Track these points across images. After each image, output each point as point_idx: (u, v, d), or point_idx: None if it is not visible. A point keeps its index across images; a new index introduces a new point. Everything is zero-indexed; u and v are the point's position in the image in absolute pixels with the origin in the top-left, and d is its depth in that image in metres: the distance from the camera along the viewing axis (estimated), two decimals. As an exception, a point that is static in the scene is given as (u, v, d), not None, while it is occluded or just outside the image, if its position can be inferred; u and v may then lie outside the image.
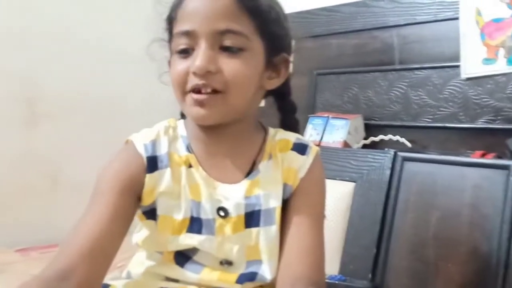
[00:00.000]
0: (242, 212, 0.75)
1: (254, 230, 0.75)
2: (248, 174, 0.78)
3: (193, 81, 0.70)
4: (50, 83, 1.89)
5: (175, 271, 0.76)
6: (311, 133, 1.63)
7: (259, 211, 0.75)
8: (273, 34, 0.77)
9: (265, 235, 0.75)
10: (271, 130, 0.84)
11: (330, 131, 1.59)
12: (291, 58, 0.82)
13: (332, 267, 1.32)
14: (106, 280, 0.72)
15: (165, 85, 0.82)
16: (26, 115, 1.84)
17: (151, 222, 0.77)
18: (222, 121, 0.74)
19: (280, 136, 0.82)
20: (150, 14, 0.80)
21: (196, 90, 0.71)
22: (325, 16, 1.81)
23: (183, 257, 0.76)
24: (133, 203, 0.74)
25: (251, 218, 0.75)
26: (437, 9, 1.50)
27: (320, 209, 0.81)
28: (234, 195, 0.75)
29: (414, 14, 1.56)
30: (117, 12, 2.03)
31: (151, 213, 0.76)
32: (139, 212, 0.78)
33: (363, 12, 1.70)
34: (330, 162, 1.45)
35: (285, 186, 0.78)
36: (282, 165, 0.79)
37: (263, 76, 0.77)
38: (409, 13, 1.57)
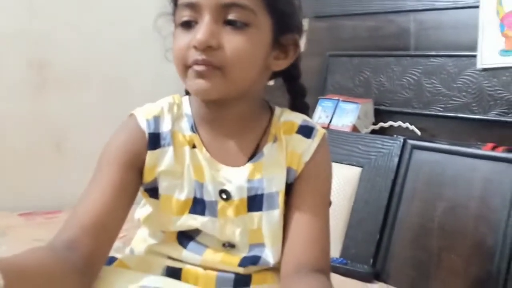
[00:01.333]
0: (245, 195, 0.73)
1: (256, 214, 0.74)
2: (252, 156, 0.76)
3: (194, 56, 0.68)
4: (63, 50, 1.88)
5: (178, 251, 0.75)
6: (320, 115, 1.61)
7: (261, 195, 0.74)
8: (282, 11, 0.73)
9: (267, 220, 0.74)
10: (277, 110, 0.81)
11: (340, 114, 1.57)
12: (301, 40, 0.79)
13: (334, 250, 1.32)
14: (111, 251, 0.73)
15: (167, 63, 0.79)
16: (36, 79, 1.83)
17: (154, 200, 0.76)
18: (223, 96, 0.71)
19: (286, 118, 0.79)
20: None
21: (197, 64, 0.68)
22: (341, -4, 1.78)
23: (185, 237, 0.75)
24: (136, 177, 0.73)
25: (254, 202, 0.74)
26: (458, -5, 1.47)
27: (325, 194, 0.79)
28: (236, 178, 0.74)
29: (433, 0, 1.52)
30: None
31: (153, 192, 0.75)
32: (141, 189, 0.76)
33: (380, -6, 1.66)
34: (338, 146, 1.44)
35: (289, 170, 0.76)
36: (286, 148, 0.76)
37: (270, 55, 0.74)
38: (428, -1, 1.54)
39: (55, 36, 1.85)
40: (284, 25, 0.74)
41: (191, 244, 0.75)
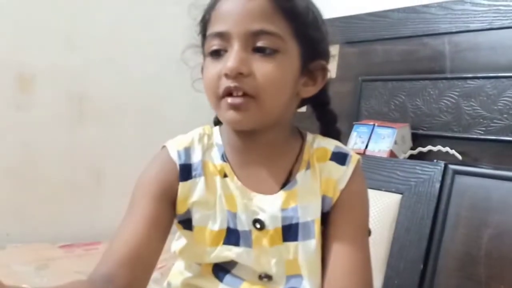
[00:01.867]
0: (279, 225, 0.72)
1: (292, 244, 0.73)
2: (285, 184, 0.75)
3: (225, 84, 0.68)
4: (99, 83, 1.94)
5: (214, 284, 0.75)
6: (355, 141, 1.59)
7: (297, 224, 0.73)
8: (310, 38, 0.74)
9: (304, 250, 0.72)
10: (309, 137, 0.80)
11: (376, 139, 1.55)
12: (329, 66, 0.79)
13: (376, 280, 1.27)
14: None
15: (200, 92, 0.80)
16: (75, 112, 1.90)
17: (188, 232, 0.76)
18: (256, 126, 0.72)
19: (319, 144, 0.79)
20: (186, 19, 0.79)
21: (229, 93, 0.69)
22: (371, 22, 1.77)
23: (221, 270, 0.74)
24: (169, 209, 0.74)
25: (289, 232, 0.73)
26: (493, 16, 1.44)
27: (363, 223, 0.77)
28: (270, 206, 0.73)
29: (467, 22, 1.50)
30: (168, 16, 2.06)
31: (187, 223, 0.75)
32: (176, 221, 0.77)
33: (412, 18, 1.65)
34: (375, 172, 1.42)
35: (324, 198, 0.75)
36: (320, 175, 0.76)
37: (299, 82, 0.75)
38: (462, 20, 1.52)
39: (91, 70, 1.91)
40: (312, 51, 0.75)
41: (227, 277, 0.74)
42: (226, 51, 0.70)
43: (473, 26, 1.49)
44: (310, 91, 0.77)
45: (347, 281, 0.70)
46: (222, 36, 0.70)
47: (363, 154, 1.54)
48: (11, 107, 1.77)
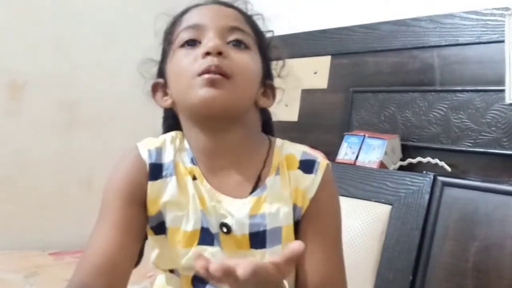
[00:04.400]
0: (247, 231, 0.72)
1: (259, 251, 0.72)
2: (254, 189, 0.75)
3: (205, 62, 0.69)
4: (90, 90, 1.93)
5: None
6: (346, 152, 1.60)
7: (264, 232, 0.73)
8: (267, 57, 0.81)
9: (271, 256, 0.73)
10: (278, 141, 0.81)
11: (366, 150, 1.56)
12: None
13: (365, 291, 1.29)
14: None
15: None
16: (66, 119, 1.89)
17: (160, 237, 0.75)
18: (225, 108, 0.70)
19: (287, 150, 0.79)
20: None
21: (207, 72, 0.69)
22: (363, 34, 1.80)
23: (200, 281, 0.74)
24: (141, 211, 0.73)
25: (256, 239, 0.73)
26: (481, 31, 1.47)
27: (335, 230, 0.77)
28: (238, 211, 0.73)
29: (457, 36, 1.53)
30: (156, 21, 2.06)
31: (159, 228, 0.75)
32: (148, 227, 0.76)
33: (402, 31, 1.67)
34: (365, 183, 1.43)
35: (294, 207, 0.75)
36: (290, 183, 0.76)
37: (259, 90, 0.78)
38: (451, 34, 1.54)
39: (81, 76, 1.91)
40: (267, 69, 0.80)
41: None
42: (200, 42, 0.72)
43: (462, 39, 1.52)
44: (266, 102, 0.80)
45: None
46: (197, 27, 0.73)
47: (353, 164, 1.55)
48: (1, 114, 1.76)
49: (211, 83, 0.68)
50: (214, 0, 0.78)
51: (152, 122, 2.03)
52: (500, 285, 1.10)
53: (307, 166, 0.77)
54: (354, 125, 1.76)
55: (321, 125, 1.86)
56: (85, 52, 1.93)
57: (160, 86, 0.80)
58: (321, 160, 0.78)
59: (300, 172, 0.77)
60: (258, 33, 0.79)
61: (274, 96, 0.82)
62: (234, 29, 0.73)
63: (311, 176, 0.76)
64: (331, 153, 1.54)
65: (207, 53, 0.69)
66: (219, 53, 0.69)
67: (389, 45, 1.70)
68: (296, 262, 0.61)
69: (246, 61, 0.72)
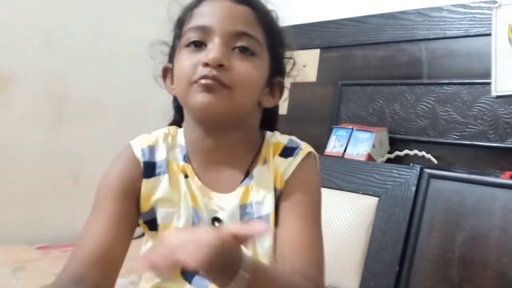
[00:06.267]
0: (238, 222, 0.74)
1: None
2: (243, 181, 0.77)
3: (203, 71, 0.69)
4: (78, 84, 1.92)
5: (182, 286, 0.75)
6: (334, 145, 1.61)
7: (253, 220, 0.74)
8: (279, 55, 0.80)
9: (260, 244, 0.74)
10: (268, 134, 0.83)
11: (354, 143, 1.57)
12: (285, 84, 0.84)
13: (352, 282, 1.30)
14: (125, 283, 0.73)
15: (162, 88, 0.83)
16: (54, 113, 1.87)
17: (153, 233, 0.76)
18: (223, 114, 0.72)
19: (275, 139, 0.81)
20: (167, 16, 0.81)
21: (205, 78, 0.70)
22: (352, 27, 1.80)
23: (190, 272, 0.75)
24: (134, 207, 0.75)
25: None
26: (469, 24, 1.48)
27: (311, 206, 0.77)
28: (229, 204, 0.75)
29: (444, 29, 1.54)
30: (149, 16, 2.05)
31: (152, 224, 0.76)
32: (141, 222, 0.77)
33: (391, 24, 1.68)
34: (353, 175, 1.44)
35: (275, 190, 0.76)
36: (274, 169, 0.77)
37: (263, 91, 0.78)
38: (439, 27, 1.55)
39: (70, 70, 1.90)
40: (277, 67, 0.80)
41: (196, 279, 0.75)
42: (205, 44, 0.72)
43: (449, 33, 1.52)
44: (271, 102, 0.80)
45: (294, 259, 0.71)
46: (204, 29, 0.72)
47: (341, 157, 1.56)
48: (-12, 106, 1.74)
49: (208, 89, 0.69)
50: None
51: (141, 116, 2.03)
52: (485, 276, 1.11)
53: (288, 151, 0.79)
54: (343, 118, 1.76)
55: (310, 118, 1.86)
56: (74, 45, 1.91)
57: (170, 71, 0.81)
58: (304, 147, 0.80)
59: (281, 157, 0.78)
60: (269, 32, 0.77)
61: (281, 93, 0.82)
62: (241, 34, 0.72)
63: (289, 159, 0.78)
64: (320, 146, 1.55)
65: (207, 64, 0.69)
66: (220, 65, 0.69)
67: (377, 38, 1.71)
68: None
69: (248, 71, 0.72)
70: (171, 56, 0.80)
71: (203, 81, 0.69)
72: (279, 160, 0.78)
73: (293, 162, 0.77)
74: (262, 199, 0.75)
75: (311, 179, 0.79)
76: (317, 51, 1.89)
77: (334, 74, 1.82)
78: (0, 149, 1.76)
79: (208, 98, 0.69)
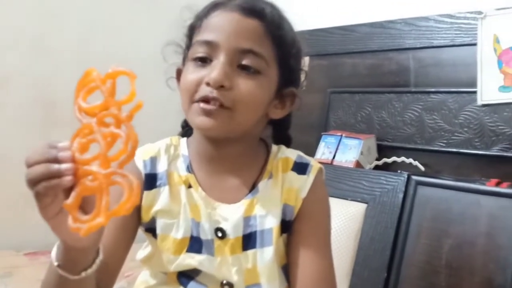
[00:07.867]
0: (240, 234, 0.75)
1: (250, 252, 0.75)
2: (248, 194, 0.77)
3: (204, 91, 0.70)
4: (69, 89, 1.89)
5: None
6: (323, 151, 1.62)
7: (255, 233, 0.75)
8: (290, 66, 0.79)
9: (261, 257, 0.75)
10: (274, 148, 0.83)
11: (343, 150, 1.58)
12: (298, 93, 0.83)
13: (341, 289, 1.31)
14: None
15: (172, 90, 0.82)
16: (44, 118, 1.86)
17: (154, 240, 0.77)
18: (224, 135, 0.74)
19: (282, 154, 0.82)
20: (175, 20, 0.80)
21: (205, 101, 0.71)
22: (340, 35, 1.82)
23: (186, 277, 0.76)
24: (135, 218, 0.75)
25: (249, 240, 0.75)
26: (455, 34, 1.51)
27: (326, 230, 0.80)
28: (233, 215, 0.75)
29: (431, 38, 1.56)
30: (140, 21, 2.05)
31: (153, 232, 0.77)
32: (143, 230, 0.78)
33: (379, 33, 1.70)
34: (342, 182, 1.45)
35: (285, 207, 0.77)
36: (282, 185, 0.78)
37: (271, 104, 0.78)
38: (426, 37, 1.58)
39: (61, 74, 1.88)
40: (288, 78, 0.79)
41: (191, 284, 0.75)
42: (211, 60, 0.72)
43: (436, 42, 1.55)
44: (279, 113, 0.81)
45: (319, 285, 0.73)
46: (211, 45, 0.72)
47: (330, 164, 1.57)
48: (-25, 111, 1.73)
49: (207, 113, 0.70)
50: (238, 4, 0.74)
51: (132, 122, 2.02)
52: (471, 282, 1.13)
53: (301, 167, 0.80)
54: (332, 125, 1.78)
55: (299, 125, 1.86)
56: (65, 50, 1.90)
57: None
58: (314, 164, 0.81)
59: (293, 173, 0.79)
60: (280, 45, 0.75)
61: (292, 104, 0.81)
62: (246, 52, 0.71)
63: (304, 177, 0.79)
64: (309, 153, 1.54)
65: (209, 83, 0.70)
66: (221, 86, 0.70)
67: (365, 47, 1.73)
68: None
69: (251, 90, 0.72)
70: (184, 59, 0.81)
71: (202, 105, 0.70)
72: (293, 176, 0.79)
73: (307, 180, 0.78)
74: (266, 213, 0.76)
75: (326, 201, 0.82)
76: (306, 59, 1.90)
77: (323, 82, 1.83)
78: (-12, 154, 1.74)
79: (207, 121, 0.70)
